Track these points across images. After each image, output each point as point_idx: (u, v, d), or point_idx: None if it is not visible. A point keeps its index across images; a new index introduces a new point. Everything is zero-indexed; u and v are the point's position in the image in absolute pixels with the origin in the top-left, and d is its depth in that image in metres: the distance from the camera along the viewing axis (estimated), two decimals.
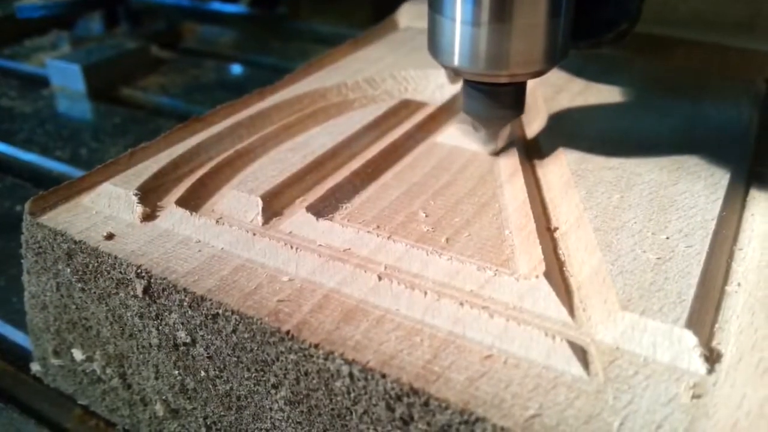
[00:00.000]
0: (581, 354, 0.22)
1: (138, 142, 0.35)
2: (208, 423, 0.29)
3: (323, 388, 0.24)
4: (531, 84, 0.42)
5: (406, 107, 0.39)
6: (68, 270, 0.29)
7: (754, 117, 0.38)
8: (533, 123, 0.38)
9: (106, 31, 0.79)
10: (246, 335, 0.25)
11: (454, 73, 0.32)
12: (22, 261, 0.32)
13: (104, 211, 0.31)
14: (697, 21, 0.47)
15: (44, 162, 0.56)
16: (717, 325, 0.24)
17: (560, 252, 0.28)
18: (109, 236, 0.29)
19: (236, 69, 0.76)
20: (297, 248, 0.27)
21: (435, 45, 0.31)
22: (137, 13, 0.81)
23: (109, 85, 0.69)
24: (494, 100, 0.32)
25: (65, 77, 0.68)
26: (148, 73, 0.72)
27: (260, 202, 0.30)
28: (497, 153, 0.35)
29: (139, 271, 0.27)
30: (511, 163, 0.33)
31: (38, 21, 0.81)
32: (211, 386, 0.27)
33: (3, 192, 0.51)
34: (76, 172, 0.34)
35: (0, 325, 0.39)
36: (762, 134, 0.37)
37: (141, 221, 0.30)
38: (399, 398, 0.22)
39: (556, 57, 0.31)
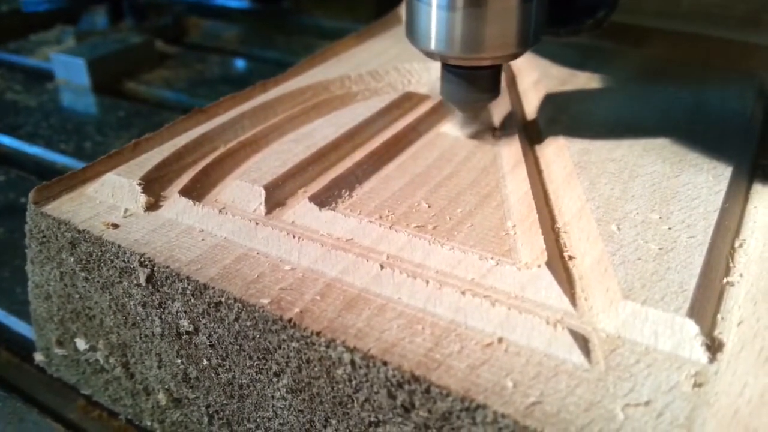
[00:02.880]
0: (583, 342, 0.22)
1: (142, 136, 0.35)
2: (211, 412, 0.29)
3: (325, 376, 0.24)
4: (533, 74, 0.42)
5: (409, 99, 0.39)
6: (72, 259, 0.30)
7: (758, 110, 0.38)
8: (535, 112, 0.38)
9: (110, 25, 0.79)
10: (248, 323, 0.25)
11: (432, 58, 0.33)
12: (26, 250, 0.32)
13: (108, 200, 0.31)
14: (702, 15, 0.47)
15: (49, 155, 0.56)
16: (719, 315, 0.24)
17: (562, 242, 0.28)
18: (113, 225, 0.29)
19: (240, 63, 0.76)
20: (299, 238, 0.27)
21: (413, 30, 0.32)
22: (142, 7, 0.81)
23: (113, 79, 0.69)
24: (470, 83, 0.33)
25: (70, 71, 0.68)
26: (153, 67, 0.72)
27: (263, 192, 0.30)
28: (474, 136, 0.36)
29: (142, 259, 0.27)
30: (513, 154, 0.33)
31: (43, 15, 0.81)
32: (213, 375, 0.28)
33: (7, 184, 0.52)
34: (80, 165, 0.34)
35: (3, 315, 0.39)
36: (766, 127, 0.37)
37: (144, 211, 0.30)
38: (400, 386, 0.22)
39: (529, 41, 0.32)
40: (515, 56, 0.32)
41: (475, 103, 0.34)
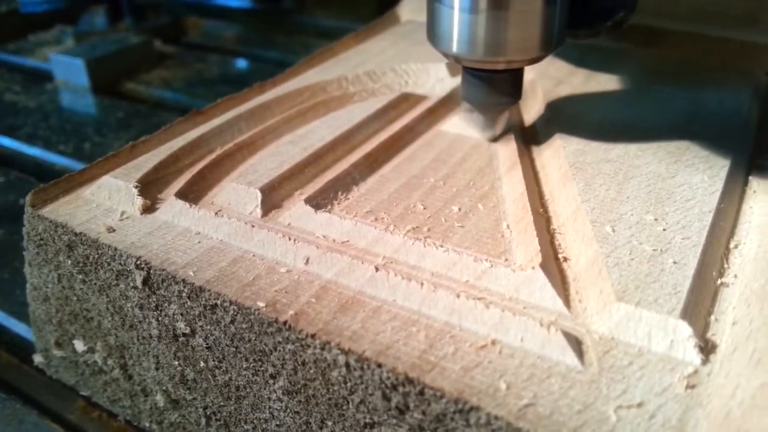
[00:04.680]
0: (576, 344, 0.23)
1: (141, 136, 0.35)
2: (208, 413, 0.29)
3: (320, 378, 0.24)
4: (530, 74, 0.42)
5: (406, 100, 0.39)
6: (69, 262, 0.30)
7: (754, 109, 0.38)
8: (531, 112, 0.38)
9: (109, 25, 0.79)
10: (244, 326, 0.25)
11: (454, 61, 0.32)
12: (24, 253, 0.32)
13: (105, 203, 0.31)
14: (699, 14, 0.47)
15: (48, 156, 0.56)
16: (712, 317, 0.24)
17: (557, 244, 0.28)
18: (110, 228, 0.29)
19: (240, 63, 0.76)
20: (295, 240, 0.28)
21: (434, 33, 0.32)
22: (141, 7, 0.81)
23: (112, 79, 0.69)
24: (492, 86, 0.33)
25: (69, 72, 0.68)
26: (152, 67, 0.72)
27: (259, 195, 0.30)
28: (496, 139, 0.35)
29: (138, 262, 0.27)
30: (509, 155, 0.33)
31: (42, 16, 0.81)
32: (210, 377, 0.28)
33: (7, 186, 0.52)
34: (80, 166, 0.34)
35: (3, 317, 0.39)
36: (762, 126, 0.37)
37: (141, 213, 0.30)
38: (395, 387, 0.22)
39: (552, 44, 0.31)
40: (538, 60, 0.32)
41: (497, 106, 0.34)
